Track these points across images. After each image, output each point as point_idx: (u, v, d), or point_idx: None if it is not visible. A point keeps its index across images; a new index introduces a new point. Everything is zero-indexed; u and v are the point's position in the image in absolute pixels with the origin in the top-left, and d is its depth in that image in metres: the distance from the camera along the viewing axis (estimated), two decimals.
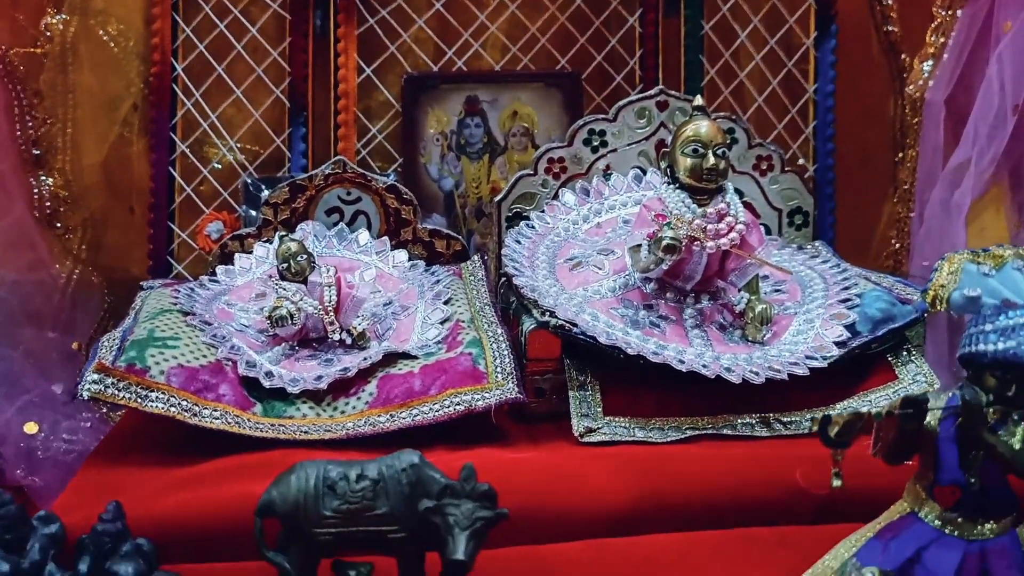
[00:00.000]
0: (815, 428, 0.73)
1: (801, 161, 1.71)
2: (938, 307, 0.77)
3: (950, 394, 0.75)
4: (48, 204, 1.60)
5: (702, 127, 1.16)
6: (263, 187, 1.59)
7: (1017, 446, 0.73)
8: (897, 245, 1.62)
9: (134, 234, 1.68)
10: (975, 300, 0.74)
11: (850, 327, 1.15)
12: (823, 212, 1.66)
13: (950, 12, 1.56)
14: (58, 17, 1.63)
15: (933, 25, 1.58)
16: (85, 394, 1.00)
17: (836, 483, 0.72)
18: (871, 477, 0.81)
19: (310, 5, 1.71)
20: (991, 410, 0.74)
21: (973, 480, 0.75)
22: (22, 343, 1.56)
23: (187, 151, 1.68)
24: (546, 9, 1.73)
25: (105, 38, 1.69)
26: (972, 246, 1.60)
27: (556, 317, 1.11)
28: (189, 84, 1.69)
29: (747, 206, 1.43)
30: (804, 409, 1.12)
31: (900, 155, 1.65)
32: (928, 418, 0.74)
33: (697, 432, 1.09)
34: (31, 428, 1.47)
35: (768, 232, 1.44)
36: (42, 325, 1.59)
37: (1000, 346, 0.73)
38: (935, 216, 1.46)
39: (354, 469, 0.79)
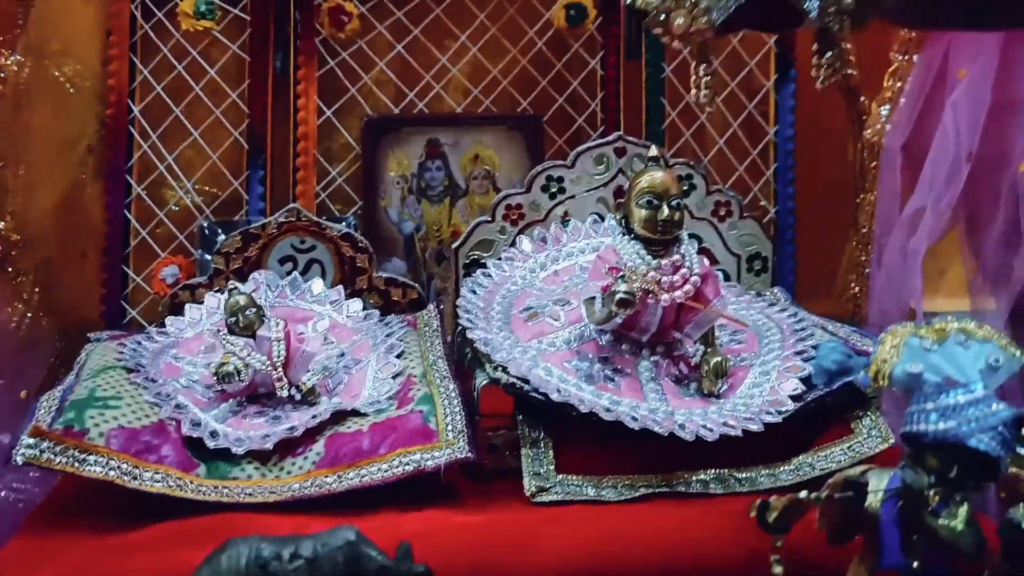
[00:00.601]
0: (753, 514, 0.71)
1: (763, 203, 1.71)
2: (880, 382, 0.76)
3: (891, 474, 0.74)
4: None
5: (656, 178, 1.16)
6: (219, 231, 1.57)
7: (960, 527, 0.71)
8: (857, 289, 1.61)
9: (87, 278, 1.65)
10: (917, 376, 0.73)
11: (806, 380, 1.14)
12: (784, 255, 1.66)
13: (907, 57, 1.57)
14: (12, 58, 1.60)
15: (890, 70, 1.59)
16: (19, 459, 0.97)
17: (777, 570, 0.71)
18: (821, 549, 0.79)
19: (270, 46, 1.69)
20: (933, 492, 0.72)
21: (916, 565, 0.73)
22: None
23: (143, 194, 1.65)
24: (507, 52, 1.72)
25: (61, 79, 1.66)
26: (932, 288, 1.61)
27: (508, 373, 1.10)
28: (146, 126, 1.67)
29: (705, 252, 1.43)
30: (760, 464, 1.10)
31: (861, 196, 1.65)
32: (869, 499, 0.72)
33: (651, 490, 1.07)
34: None
35: (727, 278, 1.44)
36: None
37: (941, 426, 0.71)
38: (893, 262, 1.46)
39: (287, 548, 0.77)
